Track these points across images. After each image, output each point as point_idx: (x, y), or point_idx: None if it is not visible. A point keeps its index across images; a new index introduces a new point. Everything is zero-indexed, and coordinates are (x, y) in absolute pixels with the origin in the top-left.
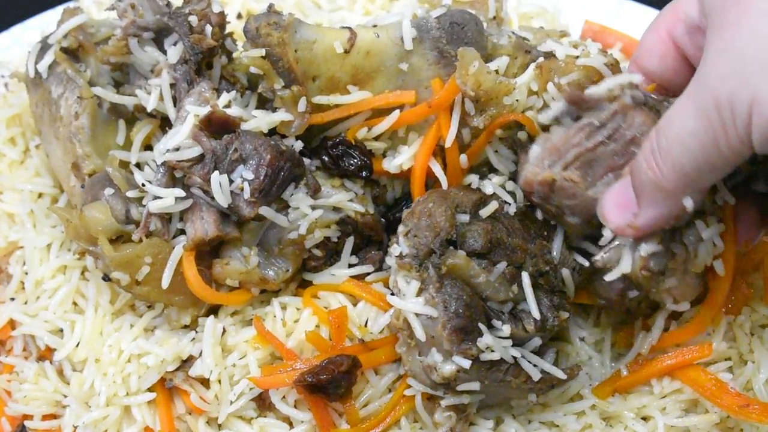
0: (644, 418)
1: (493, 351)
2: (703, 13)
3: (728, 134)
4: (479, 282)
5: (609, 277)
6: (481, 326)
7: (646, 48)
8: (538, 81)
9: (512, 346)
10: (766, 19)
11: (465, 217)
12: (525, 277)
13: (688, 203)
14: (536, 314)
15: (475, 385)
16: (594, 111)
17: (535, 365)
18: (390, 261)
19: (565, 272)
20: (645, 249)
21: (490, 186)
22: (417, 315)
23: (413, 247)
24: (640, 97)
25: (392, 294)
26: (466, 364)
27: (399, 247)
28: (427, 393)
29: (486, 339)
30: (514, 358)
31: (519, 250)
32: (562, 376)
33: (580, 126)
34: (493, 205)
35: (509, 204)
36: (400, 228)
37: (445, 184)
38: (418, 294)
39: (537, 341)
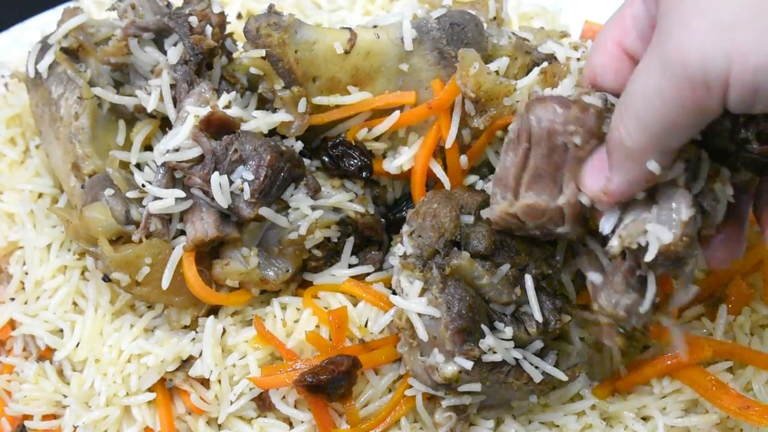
0: (644, 418)
1: (495, 352)
2: (650, 2)
3: (697, 93)
4: (482, 283)
5: (650, 256)
6: (484, 328)
7: (598, 69)
8: (541, 86)
9: (514, 347)
10: None
11: (469, 219)
12: (528, 280)
13: (653, 166)
14: (538, 317)
15: (476, 386)
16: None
17: (536, 367)
18: (393, 261)
19: (566, 277)
20: (685, 212)
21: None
22: (420, 315)
23: (417, 247)
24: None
25: (394, 294)
26: (468, 365)
27: (403, 246)
28: (428, 393)
29: (488, 340)
30: (516, 359)
31: (522, 252)
32: (563, 377)
33: (504, 148)
34: None
35: None
36: (405, 228)
37: (447, 185)
38: (421, 294)
39: (539, 344)
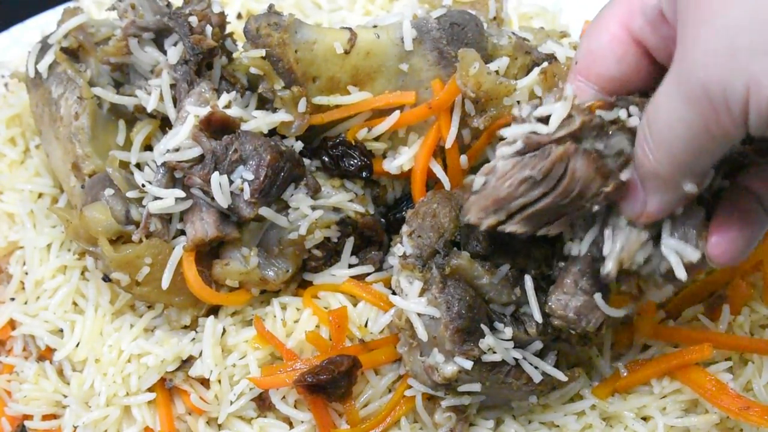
0: (644, 418)
1: (494, 352)
2: None
3: (720, 119)
4: (482, 283)
5: (680, 274)
6: (484, 327)
7: (598, 53)
8: (542, 86)
9: (514, 348)
10: None
11: None
12: (528, 280)
13: (689, 187)
14: (538, 317)
15: (476, 386)
16: (538, 155)
17: (536, 367)
18: (393, 261)
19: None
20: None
21: None
22: (419, 315)
23: (417, 247)
24: (595, 122)
25: (394, 294)
26: (468, 365)
27: (402, 247)
28: (428, 393)
29: (488, 340)
30: (516, 359)
31: (521, 252)
32: (563, 378)
33: (521, 177)
34: None
35: None
36: (404, 228)
37: (447, 185)
38: (421, 294)
39: (538, 344)
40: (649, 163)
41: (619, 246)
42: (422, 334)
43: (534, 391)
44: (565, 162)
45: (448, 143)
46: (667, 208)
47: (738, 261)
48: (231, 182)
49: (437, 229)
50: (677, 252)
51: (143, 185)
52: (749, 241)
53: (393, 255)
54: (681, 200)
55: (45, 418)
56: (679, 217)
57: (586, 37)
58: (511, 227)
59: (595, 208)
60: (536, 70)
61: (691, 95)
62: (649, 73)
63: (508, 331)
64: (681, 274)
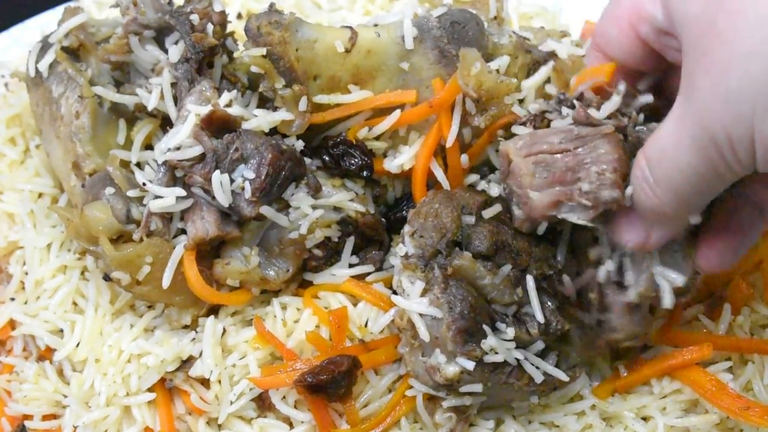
0: (644, 418)
1: (496, 353)
2: (671, 23)
3: (729, 165)
4: (484, 284)
5: (667, 302)
6: (486, 328)
7: (610, 39)
8: (556, 84)
9: (515, 348)
10: (756, 59)
11: (471, 219)
12: (530, 281)
13: (694, 220)
14: (540, 318)
15: (477, 387)
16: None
17: (537, 368)
18: (394, 261)
19: (566, 278)
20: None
21: (496, 188)
22: (421, 315)
23: (419, 247)
24: (622, 124)
25: (395, 294)
26: (470, 365)
27: (404, 247)
28: (429, 394)
29: (490, 341)
30: (517, 360)
31: (524, 253)
32: (564, 378)
33: (563, 128)
34: (496, 207)
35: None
36: (406, 228)
37: (447, 186)
38: (423, 294)
39: (540, 344)
40: (652, 202)
41: (642, 283)
42: (424, 334)
43: (535, 392)
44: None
45: (449, 142)
46: (670, 237)
47: (728, 267)
48: (232, 181)
49: (439, 229)
50: (665, 279)
51: (144, 184)
52: (740, 248)
53: (394, 255)
54: (681, 230)
55: (45, 418)
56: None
57: (602, 18)
58: (523, 160)
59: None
60: (542, 70)
61: (699, 145)
62: (659, 63)
63: (511, 332)
64: (667, 302)
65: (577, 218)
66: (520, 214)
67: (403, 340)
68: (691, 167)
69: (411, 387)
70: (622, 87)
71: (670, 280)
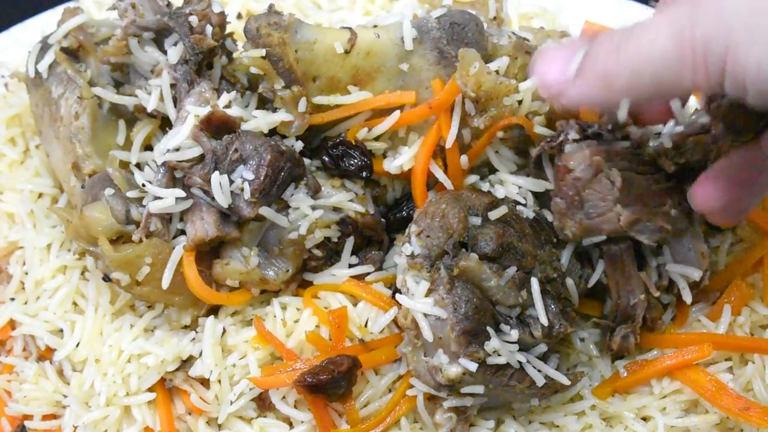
0: (644, 419)
1: (499, 355)
2: None
3: (696, 70)
4: (490, 285)
5: (687, 298)
6: (489, 330)
7: None
8: None
9: (518, 351)
10: None
11: (477, 220)
12: (534, 283)
13: (622, 113)
14: (544, 320)
15: (479, 389)
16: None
17: (539, 371)
18: (398, 260)
19: (570, 281)
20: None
21: (501, 189)
22: (426, 315)
23: (425, 247)
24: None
25: (397, 293)
26: (473, 367)
27: (410, 246)
28: (429, 393)
29: (493, 343)
30: (520, 363)
31: (528, 255)
32: (566, 382)
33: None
34: (502, 209)
35: (523, 206)
36: (413, 227)
37: (450, 186)
38: (427, 294)
39: (543, 347)
40: (609, 68)
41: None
42: (428, 334)
43: (536, 395)
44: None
45: (449, 143)
46: (585, 102)
47: (720, 216)
48: (231, 182)
49: (446, 230)
50: (682, 275)
51: (143, 185)
52: (739, 200)
53: (399, 254)
54: (603, 107)
55: (45, 418)
56: (676, 242)
57: None
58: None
59: None
60: None
61: (678, 38)
62: None
63: (515, 333)
64: (687, 298)
65: (646, 239)
66: (575, 225)
67: (406, 339)
68: (661, 55)
69: (411, 387)
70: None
71: (686, 275)
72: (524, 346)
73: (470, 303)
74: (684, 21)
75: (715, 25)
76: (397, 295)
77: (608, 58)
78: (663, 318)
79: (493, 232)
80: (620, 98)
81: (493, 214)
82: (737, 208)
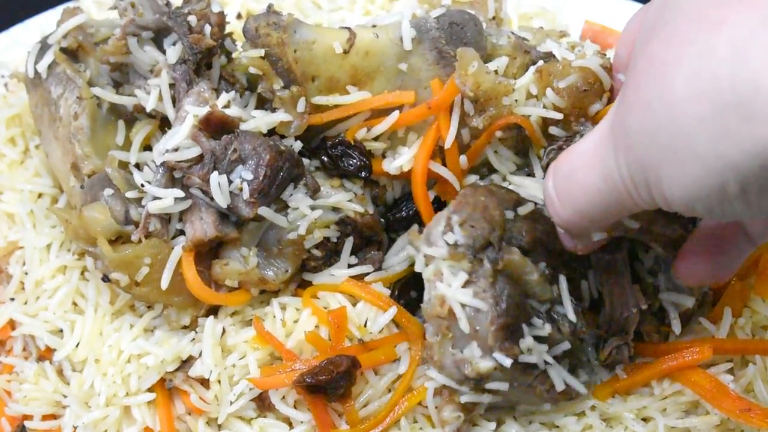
0: (644, 419)
1: (531, 354)
2: None
3: (634, 198)
4: (530, 279)
5: (676, 328)
6: (524, 327)
7: (622, 61)
8: (537, 85)
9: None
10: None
11: (510, 214)
12: (563, 280)
13: (598, 237)
14: (572, 317)
15: (504, 385)
16: None
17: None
18: (428, 250)
19: (584, 284)
20: None
21: (522, 190)
22: (463, 306)
23: (470, 237)
24: None
25: (427, 283)
26: (507, 362)
27: (454, 235)
28: (438, 388)
29: (527, 341)
30: (546, 364)
31: (555, 252)
32: (583, 391)
33: None
34: (529, 206)
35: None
36: (454, 217)
37: (456, 185)
38: (464, 286)
39: (566, 345)
40: (558, 218)
41: None
42: (464, 325)
43: (551, 399)
44: None
45: (448, 143)
46: (594, 248)
47: (709, 282)
48: (230, 182)
49: (490, 221)
50: (674, 303)
51: (142, 185)
52: (718, 269)
53: (429, 243)
54: (599, 241)
55: (45, 418)
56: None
57: (618, 41)
58: None
59: None
60: (531, 69)
61: (608, 169)
62: None
63: (548, 327)
64: (677, 328)
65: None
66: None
67: (434, 328)
68: (596, 190)
69: (411, 387)
70: None
71: (679, 303)
72: (550, 343)
73: (511, 298)
74: (609, 162)
75: (635, 162)
76: (437, 283)
77: (553, 213)
78: (660, 331)
79: (527, 226)
80: (592, 234)
81: (522, 210)
82: (726, 272)
